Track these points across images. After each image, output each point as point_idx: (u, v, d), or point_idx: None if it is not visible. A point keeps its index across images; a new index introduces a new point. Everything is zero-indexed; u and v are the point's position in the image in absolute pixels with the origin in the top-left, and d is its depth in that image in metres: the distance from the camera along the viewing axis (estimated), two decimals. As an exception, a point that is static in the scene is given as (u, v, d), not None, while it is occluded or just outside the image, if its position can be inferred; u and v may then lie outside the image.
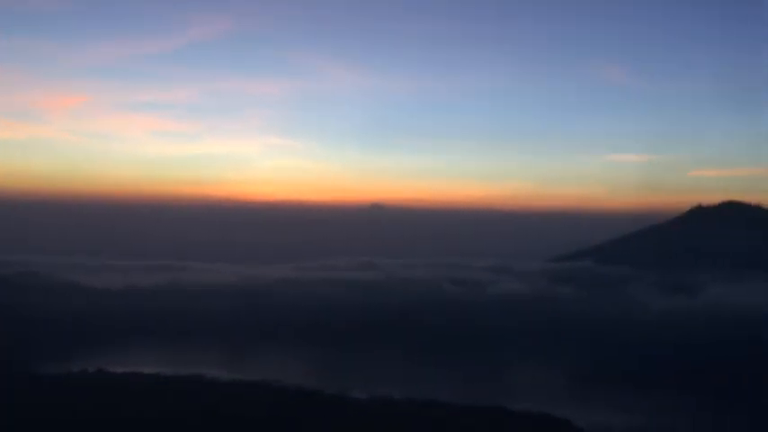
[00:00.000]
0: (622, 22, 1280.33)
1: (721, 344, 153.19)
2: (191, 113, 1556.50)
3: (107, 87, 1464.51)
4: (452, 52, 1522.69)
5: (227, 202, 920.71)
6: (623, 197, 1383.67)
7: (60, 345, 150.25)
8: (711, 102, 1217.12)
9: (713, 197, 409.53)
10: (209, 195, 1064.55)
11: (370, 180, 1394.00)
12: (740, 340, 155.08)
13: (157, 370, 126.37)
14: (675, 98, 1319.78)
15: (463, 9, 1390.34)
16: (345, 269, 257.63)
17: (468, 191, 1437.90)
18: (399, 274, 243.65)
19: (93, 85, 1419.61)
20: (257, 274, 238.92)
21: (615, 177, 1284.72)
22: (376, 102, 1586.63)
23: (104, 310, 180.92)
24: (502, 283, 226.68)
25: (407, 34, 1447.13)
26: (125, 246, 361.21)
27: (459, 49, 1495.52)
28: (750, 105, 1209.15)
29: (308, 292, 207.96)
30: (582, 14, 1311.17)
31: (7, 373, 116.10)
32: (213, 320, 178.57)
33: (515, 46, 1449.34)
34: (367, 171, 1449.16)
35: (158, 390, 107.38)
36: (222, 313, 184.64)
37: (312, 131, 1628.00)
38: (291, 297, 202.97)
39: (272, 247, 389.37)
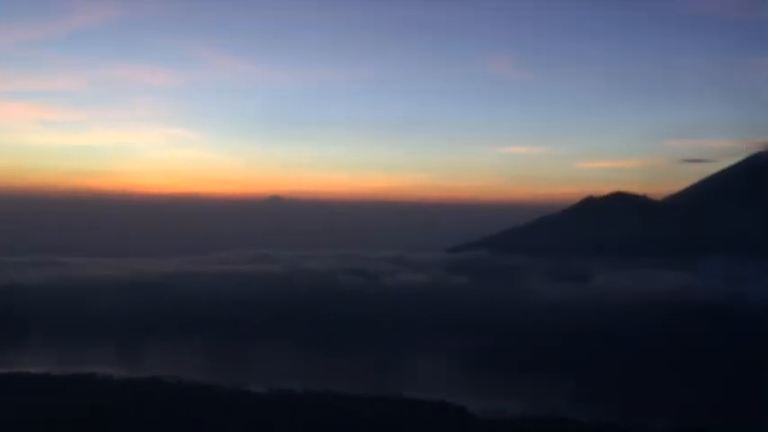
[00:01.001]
0: (511, 13, 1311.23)
1: (610, 330, 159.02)
2: (77, 102, 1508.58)
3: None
4: (346, 42, 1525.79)
5: (117, 195, 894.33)
6: (518, 188, 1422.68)
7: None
8: (601, 94, 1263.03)
9: (603, 188, 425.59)
10: (98, 187, 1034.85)
11: (268, 172, 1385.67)
12: (628, 326, 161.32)
13: (46, 370, 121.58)
14: (566, 90, 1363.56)
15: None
16: (242, 262, 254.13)
17: (368, 183, 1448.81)
18: (296, 266, 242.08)
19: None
20: (150, 268, 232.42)
21: (510, 169, 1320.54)
22: (271, 92, 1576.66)
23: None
24: (399, 274, 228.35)
25: (298, 23, 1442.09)
26: (8, 240, 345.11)
27: (354, 38, 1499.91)
28: (637, 98, 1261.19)
29: (204, 286, 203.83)
30: (472, 5, 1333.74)
31: None
32: (104, 317, 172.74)
33: (409, 36, 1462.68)
34: (264, 163, 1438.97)
35: (47, 390, 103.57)
36: (114, 309, 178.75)
37: (206, 122, 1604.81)
38: (186, 291, 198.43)
39: (165, 241, 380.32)
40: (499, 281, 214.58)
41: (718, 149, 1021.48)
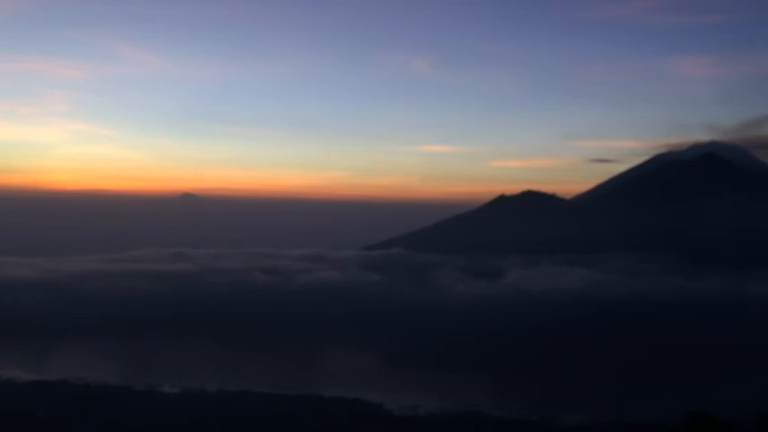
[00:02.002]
0: (430, 14, 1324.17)
1: (522, 326, 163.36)
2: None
3: None
4: (265, 38, 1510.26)
5: (27, 192, 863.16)
6: (433, 187, 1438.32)
7: None
8: (515, 95, 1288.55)
9: (515, 187, 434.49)
10: (5, 184, 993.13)
11: (182, 169, 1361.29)
12: (538, 322, 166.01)
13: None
14: (482, 91, 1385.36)
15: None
16: (155, 260, 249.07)
17: (284, 180, 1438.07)
18: (211, 265, 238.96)
19: None
20: (59, 266, 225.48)
21: (426, 167, 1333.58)
22: (186, 88, 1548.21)
23: None
24: (315, 272, 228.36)
25: (215, 18, 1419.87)
26: None
27: (273, 35, 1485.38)
28: (549, 99, 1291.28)
29: (115, 285, 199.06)
30: (391, 5, 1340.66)
31: None
32: (10, 317, 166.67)
33: (327, 33, 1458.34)
34: (178, 159, 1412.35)
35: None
36: (20, 309, 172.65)
37: (119, 118, 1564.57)
38: (97, 290, 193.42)
39: (75, 239, 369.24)
40: (413, 278, 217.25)
41: (624, 150, 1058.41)
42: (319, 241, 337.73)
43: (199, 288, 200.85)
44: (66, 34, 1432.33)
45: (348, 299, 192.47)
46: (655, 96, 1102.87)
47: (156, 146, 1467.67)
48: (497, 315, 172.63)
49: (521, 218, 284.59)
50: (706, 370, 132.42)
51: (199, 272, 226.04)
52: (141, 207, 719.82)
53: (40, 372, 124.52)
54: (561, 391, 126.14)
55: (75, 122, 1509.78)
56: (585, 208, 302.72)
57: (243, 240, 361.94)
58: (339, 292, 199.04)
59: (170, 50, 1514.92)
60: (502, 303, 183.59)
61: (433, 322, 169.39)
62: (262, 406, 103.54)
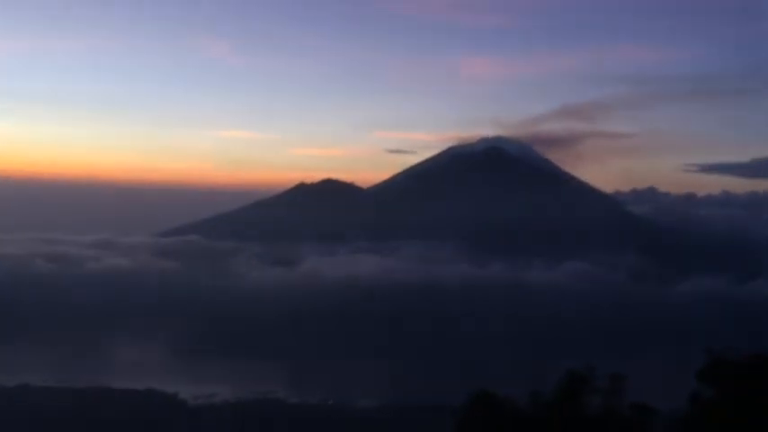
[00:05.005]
0: None
1: (316, 312, 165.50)
2: None
3: None
4: (57, 14, 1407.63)
5: None
6: (231, 173, 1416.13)
7: None
8: (315, 83, 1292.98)
9: (315, 175, 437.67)
10: None
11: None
12: (334, 308, 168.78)
13: None
14: (283, 77, 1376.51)
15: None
16: None
17: (70, 162, 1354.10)
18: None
19: None
20: None
21: (223, 153, 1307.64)
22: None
23: None
24: (104, 259, 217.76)
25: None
26: None
27: (66, 11, 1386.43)
28: (348, 89, 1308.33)
29: None
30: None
31: None
32: None
33: (126, 11, 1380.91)
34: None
35: None
36: None
37: None
38: None
39: None
40: (208, 265, 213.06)
41: (419, 142, 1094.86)
42: (109, 227, 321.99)
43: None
44: None
45: (139, 287, 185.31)
46: (448, 92, 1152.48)
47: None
48: (293, 303, 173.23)
49: (319, 206, 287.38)
50: (490, 353, 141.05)
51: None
52: None
53: None
54: (354, 376, 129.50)
55: None
56: (382, 197, 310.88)
57: (22, 226, 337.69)
58: (129, 280, 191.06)
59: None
60: (297, 291, 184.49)
61: (227, 310, 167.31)
62: (44, 400, 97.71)
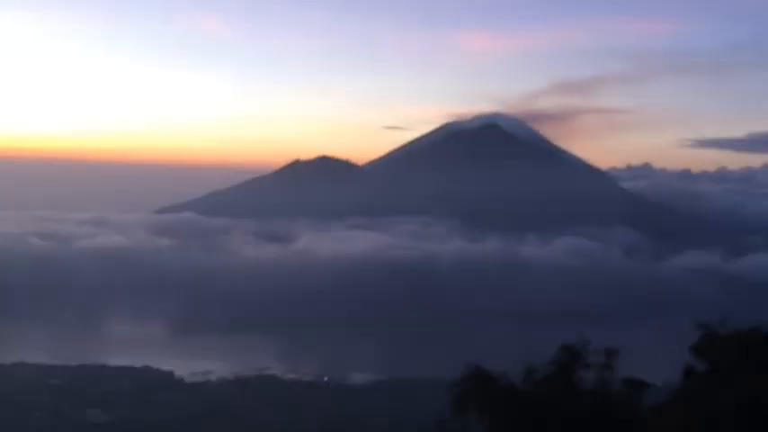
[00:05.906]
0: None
1: (311, 288, 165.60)
2: None
3: None
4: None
5: None
6: (225, 150, 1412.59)
7: None
8: (309, 60, 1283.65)
9: (311, 152, 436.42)
10: None
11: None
12: (329, 285, 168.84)
13: None
14: (276, 56, 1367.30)
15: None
16: None
17: (63, 142, 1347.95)
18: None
19: None
20: None
21: (217, 130, 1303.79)
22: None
23: None
24: (99, 237, 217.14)
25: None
26: None
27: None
28: (345, 67, 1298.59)
29: None
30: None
31: None
32: None
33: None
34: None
35: None
36: None
37: None
38: None
39: None
40: (203, 242, 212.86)
41: (415, 118, 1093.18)
42: (104, 205, 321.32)
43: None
44: None
45: (137, 264, 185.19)
46: (445, 66, 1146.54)
47: None
48: (288, 279, 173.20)
49: (315, 183, 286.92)
50: (484, 327, 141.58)
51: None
52: None
53: None
54: (350, 352, 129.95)
55: None
56: (377, 174, 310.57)
57: (17, 204, 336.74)
58: (127, 257, 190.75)
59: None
60: (292, 267, 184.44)
61: (222, 287, 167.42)
62: (41, 377, 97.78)
